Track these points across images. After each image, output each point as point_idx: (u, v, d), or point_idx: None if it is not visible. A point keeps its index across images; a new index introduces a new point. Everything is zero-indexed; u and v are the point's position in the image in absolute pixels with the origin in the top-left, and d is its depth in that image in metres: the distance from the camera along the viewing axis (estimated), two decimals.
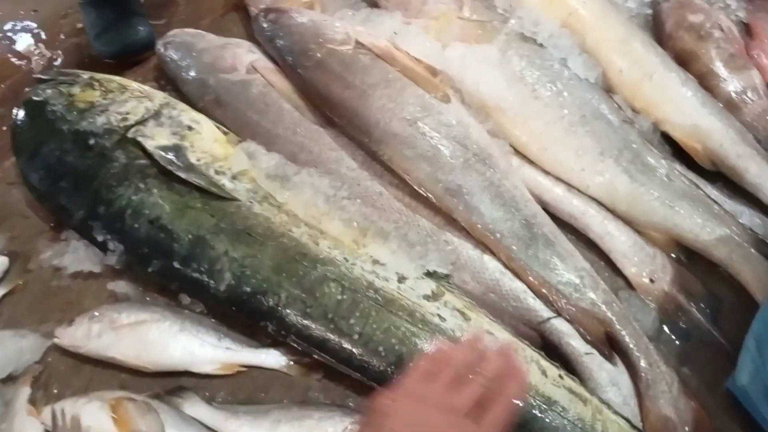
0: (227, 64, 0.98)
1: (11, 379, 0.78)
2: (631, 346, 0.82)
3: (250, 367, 0.82)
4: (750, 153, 0.91)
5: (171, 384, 0.79)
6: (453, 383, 0.56)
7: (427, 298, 0.80)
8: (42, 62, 1.54)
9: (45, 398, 0.77)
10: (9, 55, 1.59)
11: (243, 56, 0.99)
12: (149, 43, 1.18)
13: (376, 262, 0.82)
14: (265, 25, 0.97)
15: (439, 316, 0.79)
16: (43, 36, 1.60)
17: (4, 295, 0.87)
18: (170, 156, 0.87)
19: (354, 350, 0.78)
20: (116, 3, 1.35)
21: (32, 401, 0.75)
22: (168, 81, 1.07)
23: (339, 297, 0.79)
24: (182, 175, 0.84)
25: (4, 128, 1.01)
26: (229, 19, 1.17)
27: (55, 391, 0.79)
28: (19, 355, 0.79)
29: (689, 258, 0.90)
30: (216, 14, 1.21)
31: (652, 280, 0.88)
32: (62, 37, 1.60)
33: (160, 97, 0.94)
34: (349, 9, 1.02)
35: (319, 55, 0.91)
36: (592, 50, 0.94)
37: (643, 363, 0.81)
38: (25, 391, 0.74)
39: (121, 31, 1.40)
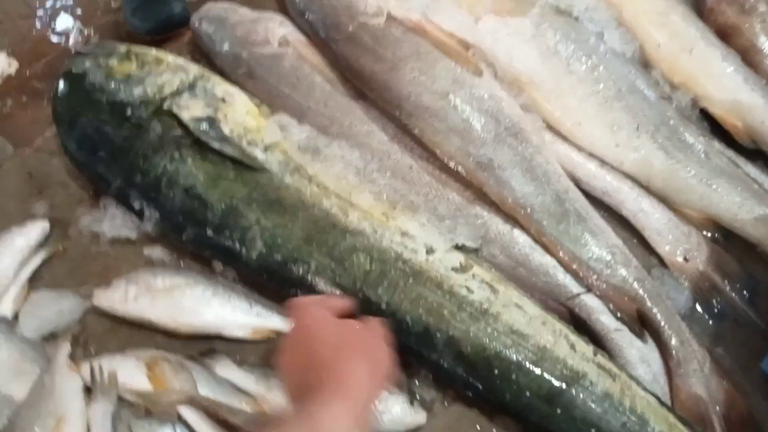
0: (259, 38, 0.98)
1: (53, 337, 0.81)
2: (663, 323, 0.81)
3: (281, 334, 0.84)
4: None
5: (204, 347, 0.81)
6: None
7: (455, 270, 0.80)
8: (79, 39, 1.58)
9: (83, 356, 0.80)
10: (48, 33, 1.63)
11: (275, 29, 0.99)
12: (183, 20, 1.19)
13: (405, 234, 0.82)
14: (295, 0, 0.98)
15: (467, 288, 0.79)
16: (80, 13, 1.64)
17: (45, 260, 0.90)
18: (204, 127, 0.88)
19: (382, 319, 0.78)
20: None
21: (72, 357, 0.78)
22: (202, 54, 1.08)
23: (367, 267, 0.80)
24: (216, 145, 0.86)
25: (45, 102, 1.04)
26: None
27: (93, 350, 0.82)
28: (59, 315, 0.82)
29: (726, 237, 0.88)
30: None
31: (686, 259, 0.87)
32: (99, 14, 1.64)
33: (194, 69, 0.95)
34: None
35: (350, 28, 0.91)
36: (630, 24, 0.92)
37: (674, 341, 0.80)
38: (65, 348, 0.77)
39: (156, 7, 1.42)
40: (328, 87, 0.95)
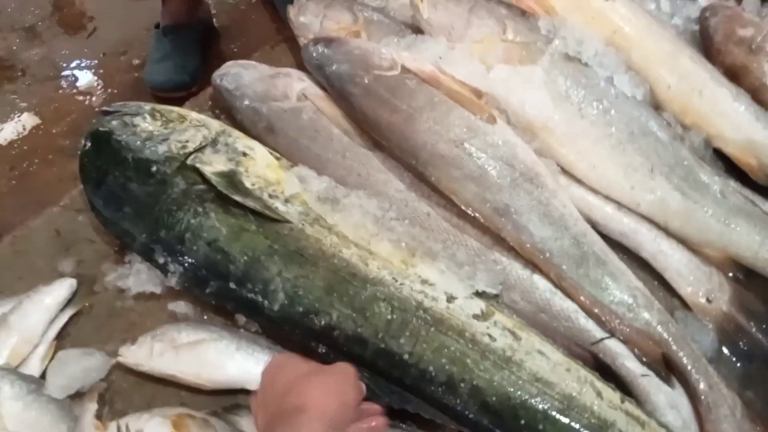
0: (278, 93, 1.02)
1: (79, 395, 0.82)
2: (690, 367, 0.80)
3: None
4: None
5: (228, 402, 0.81)
6: None
7: (476, 317, 0.80)
8: (103, 97, 1.65)
9: (110, 414, 0.80)
10: (72, 92, 1.70)
11: (293, 84, 1.03)
12: (194, 82, 1.27)
13: (425, 281, 0.83)
14: (314, 54, 1.01)
15: (489, 335, 0.79)
16: (102, 72, 1.71)
17: (72, 317, 0.92)
18: (226, 181, 0.91)
19: (404, 370, 0.78)
20: (182, 36, 1.46)
21: (98, 417, 0.78)
22: (222, 110, 1.12)
23: (389, 317, 0.80)
24: (238, 199, 0.88)
25: (70, 160, 1.08)
26: (279, 50, 1.23)
27: (119, 407, 0.82)
28: (85, 373, 0.83)
29: (747, 276, 0.88)
30: (266, 46, 1.27)
31: (709, 300, 0.86)
32: (121, 72, 1.71)
33: (216, 125, 0.99)
34: (394, 36, 1.05)
35: (366, 80, 0.93)
36: (639, 67, 0.94)
37: (702, 385, 0.79)
38: (92, 407, 0.78)
39: (175, 66, 1.50)
40: (346, 139, 0.97)
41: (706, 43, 1.03)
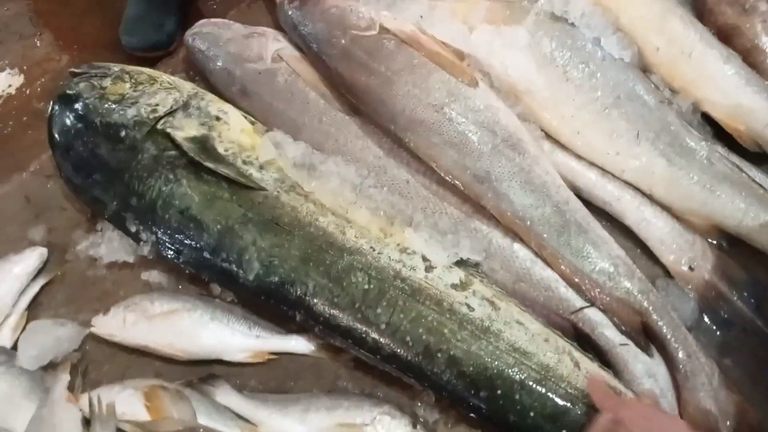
0: (253, 54, 0.98)
1: (51, 366, 0.81)
2: (669, 336, 0.79)
3: (281, 355, 0.83)
4: None
5: (203, 371, 0.81)
6: None
7: (455, 287, 0.79)
8: (79, 58, 1.59)
9: (83, 385, 0.79)
10: (49, 51, 1.63)
11: (268, 45, 0.98)
12: (171, 42, 1.22)
13: (403, 251, 0.81)
14: (289, 13, 0.97)
15: (467, 305, 0.78)
16: (80, 32, 1.64)
17: (44, 286, 0.90)
18: (198, 147, 0.88)
19: (381, 340, 0.77)
20: None
21: (71, 388, 0.77)
22: (197, 72, 1.08)
23: (366, 286, 0.79)
24: (210, 165, 0.85)
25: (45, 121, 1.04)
26: (256, 8, 1.17)
27: (93, 377, 0.82)
28: (58, 343, 0.82)
29: (731, 244, 0.87)
30: (243, 4, 1.21)
31: (691, 268, 0.85)
32: (99, 33, 1.64)
33: (188, 87, 0.95)
34: None
35: (343, 42, 0.89)
36: (627, 29, 0.90)
37: (681, 354, 0.79)
38: (64, 379, 0.77)
39: (149, 25, 1.44)
40: (323, 102, 0.94)
41: (698, 3, 0.99)
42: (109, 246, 0.91)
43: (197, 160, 0.85)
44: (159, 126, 0.88)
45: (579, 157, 0.90)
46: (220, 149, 0.88)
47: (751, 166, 0.89)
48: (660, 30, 0.90)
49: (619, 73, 0.88)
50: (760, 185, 0.85)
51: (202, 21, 1.08)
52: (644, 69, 0.92)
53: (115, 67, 0.96)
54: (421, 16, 0.93)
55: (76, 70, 0.98)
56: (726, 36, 0.94)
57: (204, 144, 0.88)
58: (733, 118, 0.88)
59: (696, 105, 0.90)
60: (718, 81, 0.88)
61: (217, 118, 0.92)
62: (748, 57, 0.92)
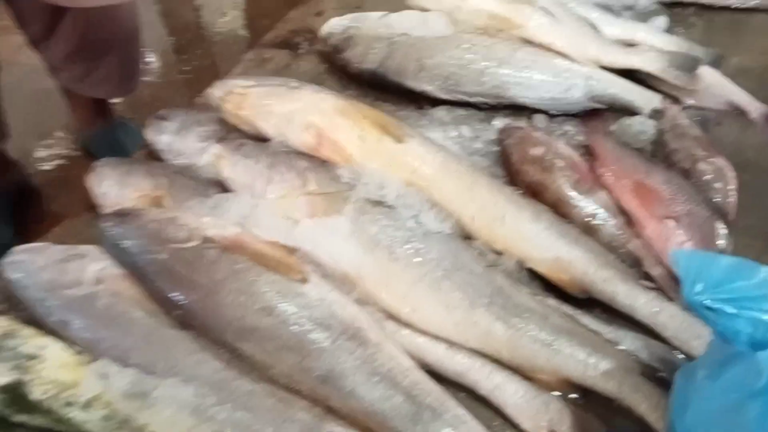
0: (69, 279, 0.91)
1: None
2: None
3: None
4: (615, 275, 0.92)
5: None
6: None
7: None
8: None
9: None
10: None
11: (88, 267, 0.92)
12: None
13: None
14: (107, 230, 0.93)
15: None
16: None
17: None
18: (8, 398, 0.77)
19: None
20: None
21: None
22: (18, 300, 0.99)
23: None
24: (23, 418, 0.75)
25: None
26: (81, 221, 1.12)
27: None
28: None
29: (585, 395, 0.86)
30: (72, 216, 1.16)
31: (552, 431, 0.83)
32: None
33: (3, 326, 0.86)
34: (199, 197, 1.00)
35: (161, 257, 0.86)
36: (442, 203, 0.95)
37: None
38: None
39: None
40: (150, 321, 0.87)
41: (506, 164, 1.07)
42: None
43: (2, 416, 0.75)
44: None
45: (424, 332, 0.89)
46: (37, 393, 0.79)
47: (584, 313, 0.92)
48: (471, 200, 0.95)
49: (442, 246, 0.91)
50: (594, 332, 0.88)
51: (19, 247, 1.01)
52: (467, 237, 0.96)
53: None
54: (244, 217, 0.92)
55: None
56: (535, 192, 1.02)
57: (14, 392, 0.78)
58: (556, 270, 0.92)
59: (520, 263, 0.94)
60: (533, 239, 0.93)
61: (33, 357, 0.83)
62: (558, 209, 0.99)
